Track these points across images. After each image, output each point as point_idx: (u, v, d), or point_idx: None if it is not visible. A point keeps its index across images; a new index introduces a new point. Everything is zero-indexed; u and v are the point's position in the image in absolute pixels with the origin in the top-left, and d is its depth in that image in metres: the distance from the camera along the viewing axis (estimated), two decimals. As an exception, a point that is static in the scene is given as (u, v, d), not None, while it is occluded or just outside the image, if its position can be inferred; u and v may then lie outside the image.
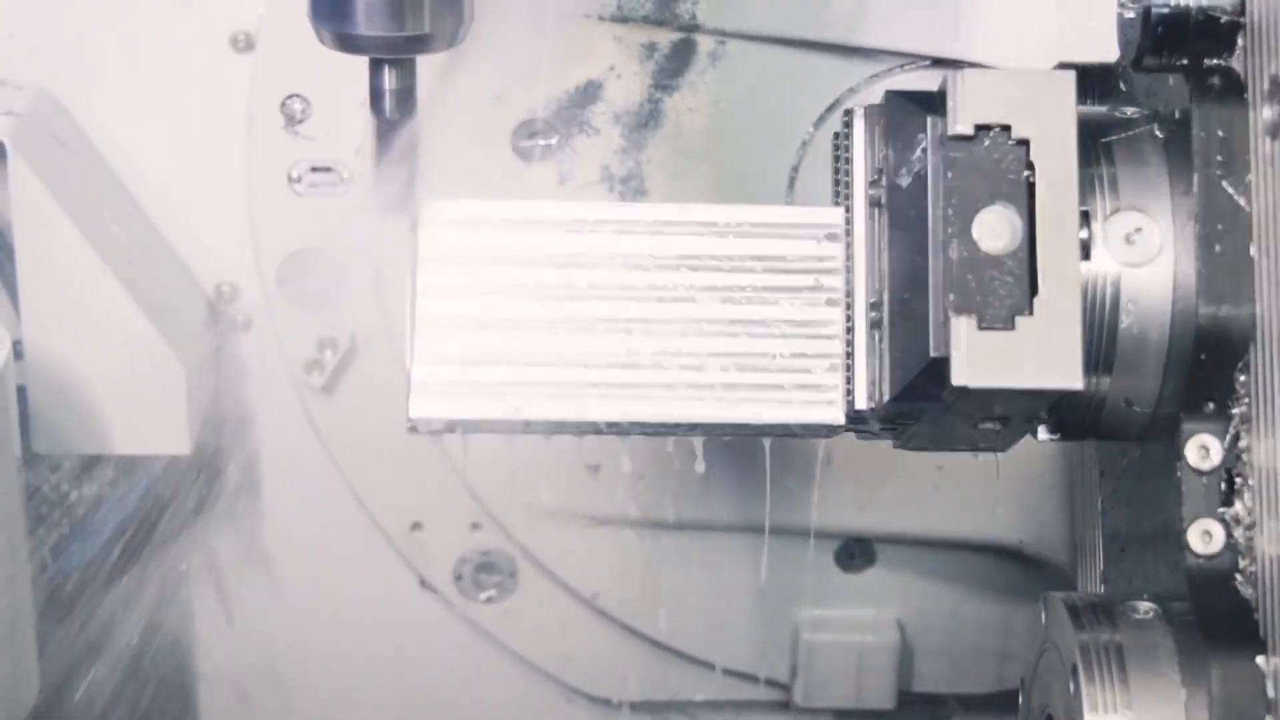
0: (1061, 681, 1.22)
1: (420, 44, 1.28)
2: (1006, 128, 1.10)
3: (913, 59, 1.72)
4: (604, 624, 1.82)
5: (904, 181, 1.13)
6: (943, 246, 1.09)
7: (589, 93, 1.69)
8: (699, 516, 1.78)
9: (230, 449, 1.71)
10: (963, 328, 1.07)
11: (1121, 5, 1.22)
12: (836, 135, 1.20)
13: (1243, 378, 1.15)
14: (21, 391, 1.56)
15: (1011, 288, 1.07)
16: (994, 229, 1.08)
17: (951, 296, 1.07)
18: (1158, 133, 1.19)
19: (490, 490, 1.75)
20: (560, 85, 1.65)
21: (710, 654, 1.84)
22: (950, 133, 1.10)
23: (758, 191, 1.79)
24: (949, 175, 1.09)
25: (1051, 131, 1.10)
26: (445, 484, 1.74)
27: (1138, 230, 1.14)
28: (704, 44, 1.66)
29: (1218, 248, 1.13)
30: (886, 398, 1.13)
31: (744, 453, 1.64)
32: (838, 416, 1.18)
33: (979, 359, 1.07)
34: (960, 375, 1.06)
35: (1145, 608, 1.18)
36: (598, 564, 1.77)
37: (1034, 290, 1.08)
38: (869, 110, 1.19)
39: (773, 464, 1.92)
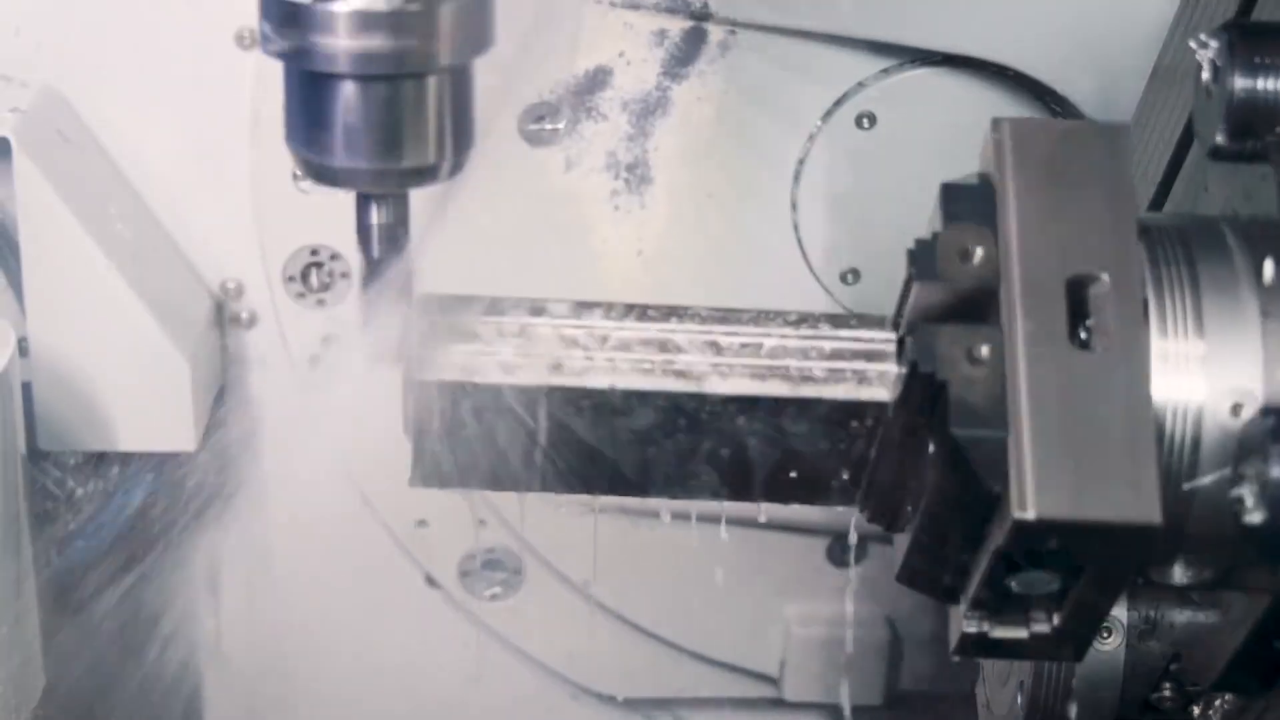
0: None
1: (419, 177, 1.02)
2: None
3: (925, 55, 1.72)
4: (609, 620, 1.82)
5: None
6: None
7: (598, 78, 1.69)
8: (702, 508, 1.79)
9: (234, 446, 1.71)
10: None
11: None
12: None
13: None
14: (26, 388, 1.56)
15: None
16: None
17: None
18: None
19: (496, 488, 1.75)
20: (569, 70, 1.65)
21: (704, 648, 1.85)
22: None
23: (763, 183, 1.79)
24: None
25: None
26: (451, 481, 1.74)
27: None
28: (715, 33, 1.66)
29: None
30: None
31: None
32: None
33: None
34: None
35: None
36: (601, 559, 1.77)
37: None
38: None
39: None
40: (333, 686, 1.83)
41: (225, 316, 1.71)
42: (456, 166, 1.02)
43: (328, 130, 0.98)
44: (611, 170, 1.71)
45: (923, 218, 1.82)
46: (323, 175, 1.00)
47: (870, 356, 1.09)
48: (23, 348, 1.55)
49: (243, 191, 1.67)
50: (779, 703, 1.88)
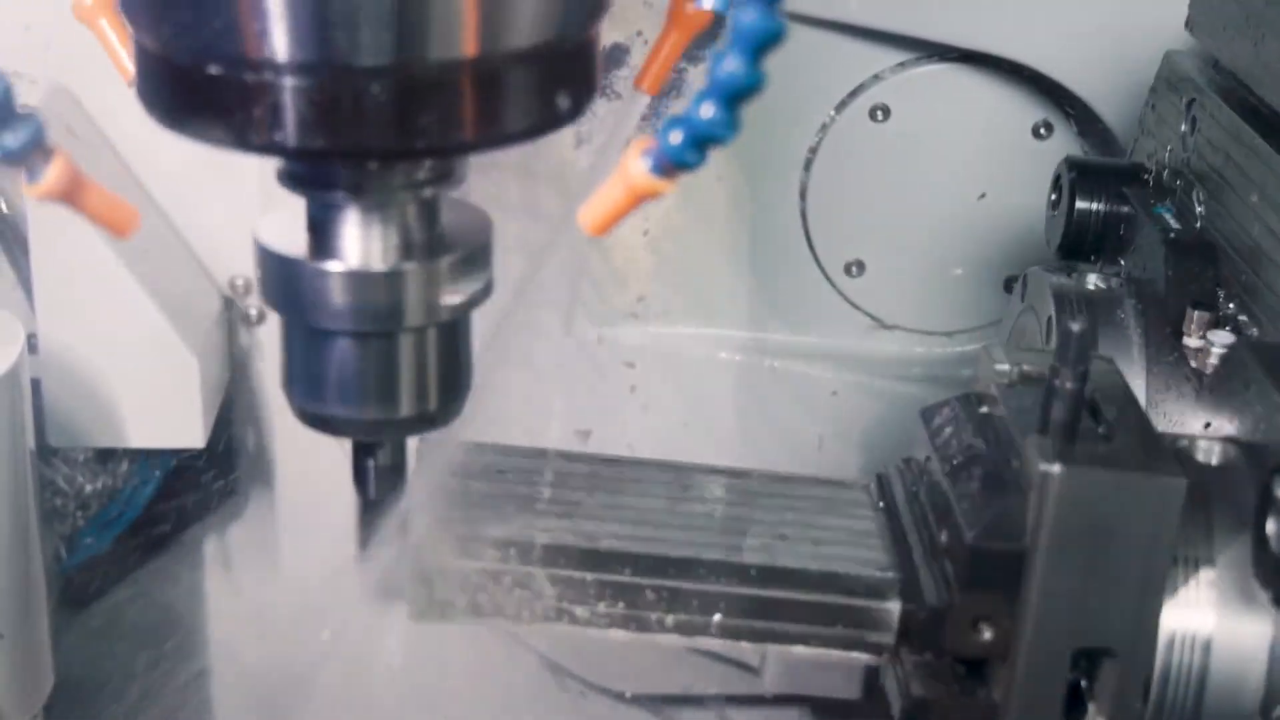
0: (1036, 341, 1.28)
1: (417, 425, 0.99)
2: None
3: (942, 50, 1.72)
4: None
5: None
6: None
7: (614, 56, 1.69)
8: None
9: (243, 442, 1.71)
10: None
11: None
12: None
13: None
14: (36, 385, 1.56)
15: None
16: None
17: None
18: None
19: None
20: None
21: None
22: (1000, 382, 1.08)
23: (773, 170, 1.79)
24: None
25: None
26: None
27: None
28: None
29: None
30: None
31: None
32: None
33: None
34: None
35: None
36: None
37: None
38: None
39: (766, 455, 1.92)
40: (339, 680, 1.83)
41: (234, 313, 1.71)
42: (455, 412, 1.00)
43: (324, 382, 0.96)
44: (621, 148, 1.71)
45: (930, 215, 1.83)
46: (321, 424, 0.98)
47: None
48: (32, 344, 1.55)
49: (252, 188, 1.66)
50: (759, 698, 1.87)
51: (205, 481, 1.70)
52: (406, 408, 0.97)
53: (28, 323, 1.55)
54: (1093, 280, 1.35)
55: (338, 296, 0.92)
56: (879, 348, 1.91)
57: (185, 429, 1.62)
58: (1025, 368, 1.08)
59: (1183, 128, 1.38)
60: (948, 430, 1.10)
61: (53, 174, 0.83)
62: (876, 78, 1.75)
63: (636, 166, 0.84)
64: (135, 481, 1.67)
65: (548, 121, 0.90)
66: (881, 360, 1.91)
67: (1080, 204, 1.43)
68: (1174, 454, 1.02)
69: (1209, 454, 1.07)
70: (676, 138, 0.82)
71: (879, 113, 1.77)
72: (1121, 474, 0.96)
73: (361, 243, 0.92)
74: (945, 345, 1.90)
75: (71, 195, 0.85)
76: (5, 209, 1.61)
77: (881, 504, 1.14)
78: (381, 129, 0.84)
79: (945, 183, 1.81)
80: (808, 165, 1.81)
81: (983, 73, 1.73)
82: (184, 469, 1.68)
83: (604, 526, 1.10)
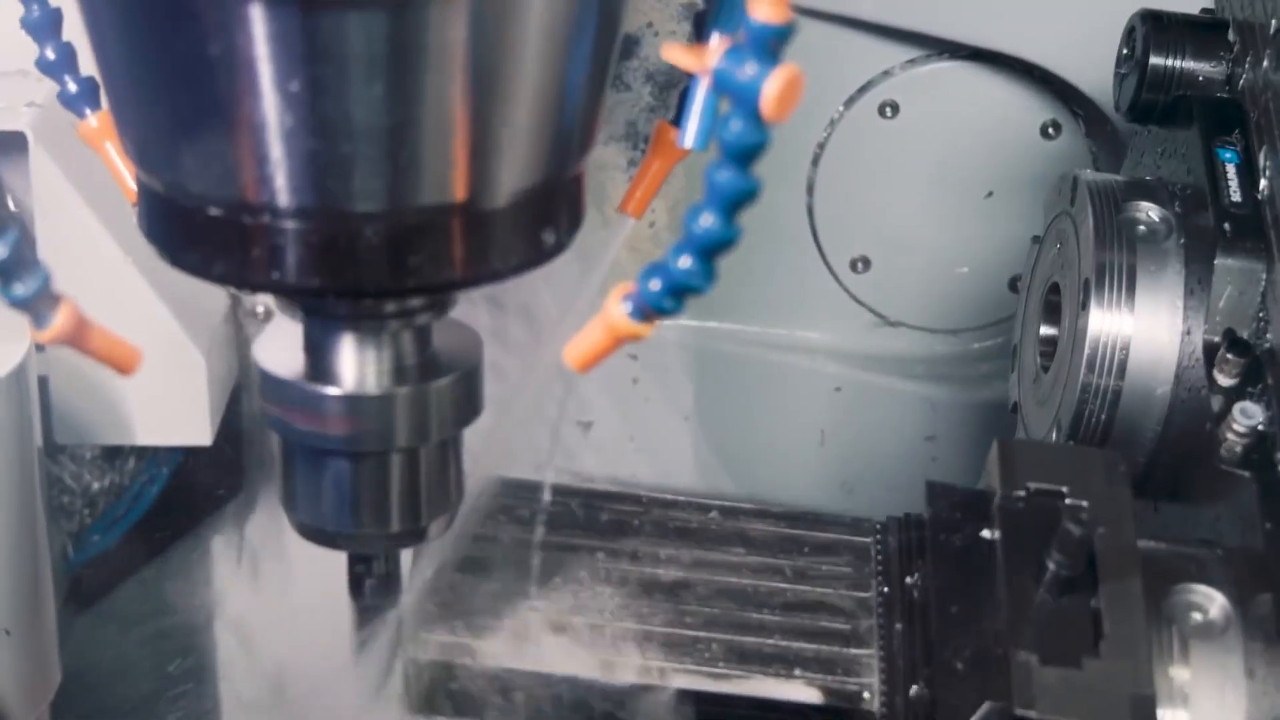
0: (1071, 247, 1.27)
1: (409, 539, 1.02)
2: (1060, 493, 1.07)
3: (952, 48, 1.72)
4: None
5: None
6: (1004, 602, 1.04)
7: (625, 48, 1.69)
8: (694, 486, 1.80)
9: (250, 440, 1.71)
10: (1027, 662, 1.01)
11: None
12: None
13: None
14: (43, 382, 1.56)
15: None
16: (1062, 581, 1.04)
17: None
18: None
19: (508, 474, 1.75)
20: None
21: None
22: (1007, 495, 1.08)
23: (780, 165, 1.79)
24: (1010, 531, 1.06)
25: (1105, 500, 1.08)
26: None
27: None
28: None
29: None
30: None
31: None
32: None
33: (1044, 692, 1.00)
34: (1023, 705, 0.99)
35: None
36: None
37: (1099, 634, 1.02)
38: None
39: (768, 451, 1.93)
40: (344, 675, 1.83)
41: (241, 311, 1.71)
42: (447, 525, 1.03)
43: (319, 498, 0.99)
44: (630, 140, 1.71)
45: (937, 212, 1.83)
46: (315, 537, 1.02)
47: None
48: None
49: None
50: None
51: (212, 478, 1.70)
52: (398, 524, 1.00)
53: (35, 320, 1.55)
54: (1143, 212, 1.31)
55: (332, 419, 0.96)
56: (883, 344, 1.91)
57: (192, 426, 1.62)
58: (1033, 487, 1.08)
59: (1266, 54, 1.30)
60: (950, 537, 1.10)
61: (59, 320, 0.87)
62: (886, 74, 1.75)
63: (617, 311, 0.86)
64: (143, 479, 1.68)
65: (536, 257, 0.93)
66: (885, 357, 1.91)
67: (1155, 61, 1.36)
68: (1150, 690, 1.00)
69: (1205, 605, 1.07)
70: (655, 285, 0.84)
71: (888, 109, 1.77)
72: None
73: (356, 367, 0.95)
74: (950, 343, 1.90)
75: (76, 338, 0.88)
76: (13, 207, 1.60)
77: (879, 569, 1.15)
78: (375, 269, 0.88)
79: (952, 180, 1.81)
80: (815, 161, 1.81)
81: (992, 71, 1.73)
82: (191, 466, 1.68)
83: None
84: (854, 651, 1.10)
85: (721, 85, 0.77)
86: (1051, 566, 1.01)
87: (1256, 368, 1.19)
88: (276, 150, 0.84)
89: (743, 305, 1.90)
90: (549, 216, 0.92)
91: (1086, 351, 1.27)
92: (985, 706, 1.00)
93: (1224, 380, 1.19)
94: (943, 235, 1.83)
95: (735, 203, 0.81)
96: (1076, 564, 1.01)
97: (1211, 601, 1.06)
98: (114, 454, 1.67)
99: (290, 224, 0.86)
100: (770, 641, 1.10)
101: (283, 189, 0.85)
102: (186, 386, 1.60)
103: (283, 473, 1.01)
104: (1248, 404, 1.16)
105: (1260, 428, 1.14)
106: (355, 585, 1.08)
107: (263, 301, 1.70)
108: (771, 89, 0.77)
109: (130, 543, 1.67)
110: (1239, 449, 1.14)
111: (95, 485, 1.66)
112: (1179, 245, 1.29)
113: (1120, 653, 1.00)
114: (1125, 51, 1.41)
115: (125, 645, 1.61)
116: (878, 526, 1.16)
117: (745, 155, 0.79)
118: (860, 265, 1.87)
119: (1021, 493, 1.07)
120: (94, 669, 1.60)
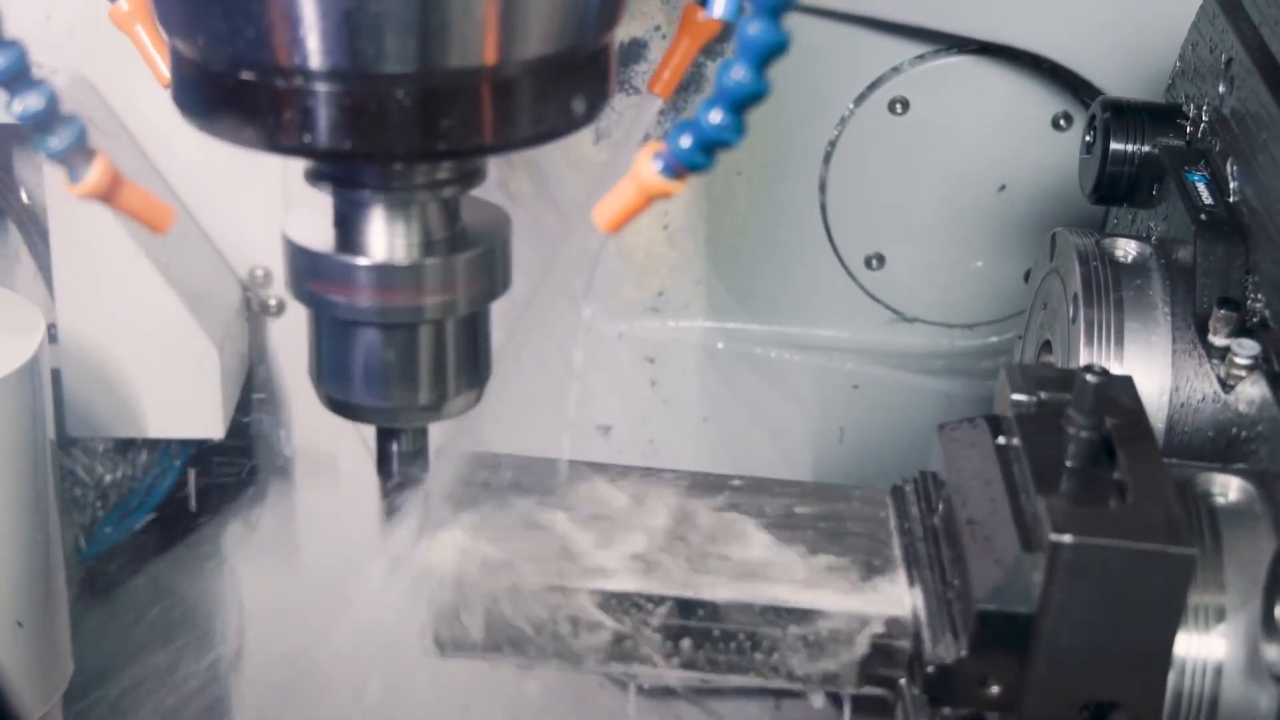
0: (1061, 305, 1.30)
1: (437, 413, 1.03)
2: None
3: (961, 43, 1.72)
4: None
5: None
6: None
7: (633, 51, 1.69)
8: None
9: (262, 433, 1.71)
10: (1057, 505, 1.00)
11: None
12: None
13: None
14: (56, 375, 1.57)
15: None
16: None
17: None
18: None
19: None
20: None
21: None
22: (1020, 403, 1.08)
23: (792, 163, 1.78)
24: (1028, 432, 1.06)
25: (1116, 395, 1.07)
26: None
27: None
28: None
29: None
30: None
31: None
32: None
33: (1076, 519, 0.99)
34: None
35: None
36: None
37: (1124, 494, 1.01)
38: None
39: (788, 449, 1.92)
40: (352, 673, 1.83)
41: (254, 304, 1.71)
42: (475, 399, 1.04)
43: (349, 371, 1.01)
44: (641, 143, 1.71)
45: (950, 207, 1.83)
46: (345, 411, 1.03)
47: None
48: (52, 334, 1.55)
49: (272, 179, 1.66)
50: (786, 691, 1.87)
51: (224, 471, 1.70)
52: (426, 396, 1.01)
53: (48, 313, 1.55)
54: (1121, 248, 1.33)
55: (363, 289, 0.97)
56: (900, 341, 1.91)
57: (205, 419, 1.63)
58: (1043, 395, 1.08)
59: (1220, 88, 1.35)
60: (964, 460, 1.10)
61: (94, 174, 0.88)
62: (895, 70, 1.75)
63: (648, 168, 0.88)
64: (155, 472, 1.68)
65: (564, 125, 0.95)
66: (903, 353, 1.91)
67: (1115, 146, 1.40)
68: (1187, 512, 1.01)
69: (1225, 488, 1.07)
70: (686, 141, 0.86)
71: (898, 105, 1.77)
72: (1133, 545, 0.96)
73: (385, 238, 0.97)
74: (967, 337, 1.90)
75: (111, 194, 0.89)
76: (26, 200, 1.61)
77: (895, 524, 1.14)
78: (405, 132, 0.90)
79: (965, 175, 1.80)
80: (827, 159, 1.81)
81: (1001, 65, 1.73)
82: (203, 459, 1.69)
83: None
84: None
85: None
86: (1072, 432, 1.00)
87: (1246, 332, 1.21)
88: (309, 11, 0.86)
89: (759, 305, 1.90)
90: (577, 84, 0.94)
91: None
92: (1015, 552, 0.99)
93: (1218, 340, 1.21)
94: (956, 230, 1.83)
95: (765, 55, 0.82)
96: (1096, 420, 1.00)
97: (1231, 486, 1.06)
98: (126, 446, 1.67)
99: (322, 86, 0.88)
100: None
101: (315, 51, 0.87)
102: (199, 379, 1.61)
103: (311, 345, 1.03)
104: (1244, 339, 1.18)
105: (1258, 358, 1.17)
106: (383, 465, 1.07)
107: (275, 295, 1.71)
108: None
109: (142, 535, 1.67)
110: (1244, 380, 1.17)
111: (107, 478, 1.67)
112: (1160, 266, 1.32)
113: (1149, 497, 0.99)
114: (1088, 139, 1.45)
115: (137, 637, 1.62)
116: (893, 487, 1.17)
117: (777, 7, 0.81)
118: (875, 262, 1.87)
119: (1034, 398, 1.07)
120: (106, 661, 1.60)
